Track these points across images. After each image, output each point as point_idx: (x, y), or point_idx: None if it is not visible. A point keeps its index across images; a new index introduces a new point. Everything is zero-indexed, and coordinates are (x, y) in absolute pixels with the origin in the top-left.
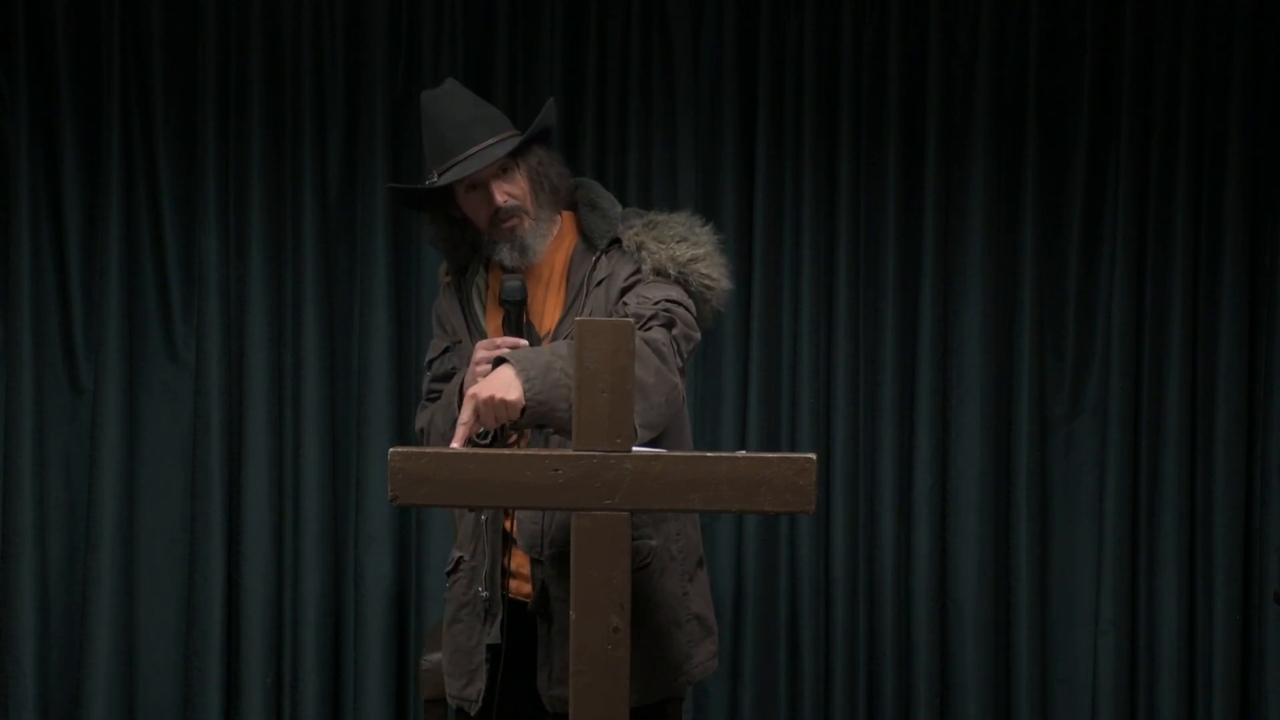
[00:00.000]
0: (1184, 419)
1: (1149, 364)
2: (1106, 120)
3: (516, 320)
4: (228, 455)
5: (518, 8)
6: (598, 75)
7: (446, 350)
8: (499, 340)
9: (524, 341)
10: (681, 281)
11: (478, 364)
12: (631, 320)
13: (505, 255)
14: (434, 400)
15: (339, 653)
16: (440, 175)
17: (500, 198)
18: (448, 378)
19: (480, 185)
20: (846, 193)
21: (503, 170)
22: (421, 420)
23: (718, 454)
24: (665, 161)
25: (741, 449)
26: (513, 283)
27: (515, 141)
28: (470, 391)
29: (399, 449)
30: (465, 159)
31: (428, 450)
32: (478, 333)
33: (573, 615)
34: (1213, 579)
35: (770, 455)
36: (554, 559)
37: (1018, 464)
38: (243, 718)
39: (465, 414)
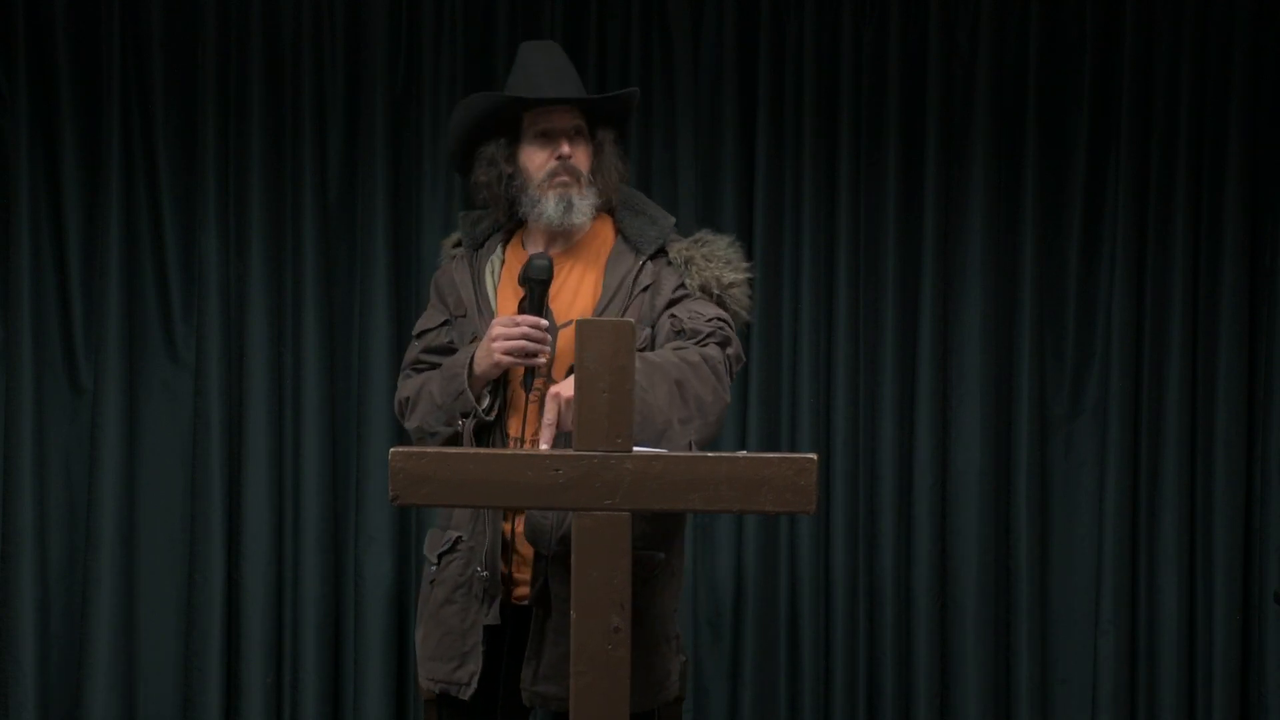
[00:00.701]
0: (1184, 419)
1: (1149, 364)
2: (1106, 120)
3: (539, 299)
4: (228, 455)
5: (518, 8)
6: (598, 75)
7: (445, 323)
8: (519, 318)
9: (544, 321)
10: (720, 304)
11: (497, 339)
12: (632, 321)
13: (550, 208)
14: (421, 370)
15: (339, 653)
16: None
17: (568, 148)
18: (442, 351)
19: (552, 134)
20: (846, 193)
21: (577, 133)
22: (407, 389)
23: (718, 454)
24: (665, 161)
25: (741, 449)
26: (541, 260)
27: (604, 97)
28: (553, 390)
29: (399, 449)
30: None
31: (428, 450)
32: (486, 309)
33: (573, 615)
34: (1213, 579)
35: (770, 455)
36: (561, 556)
37: (1018, 464)
38: (243, 718)
39: (550, 414)
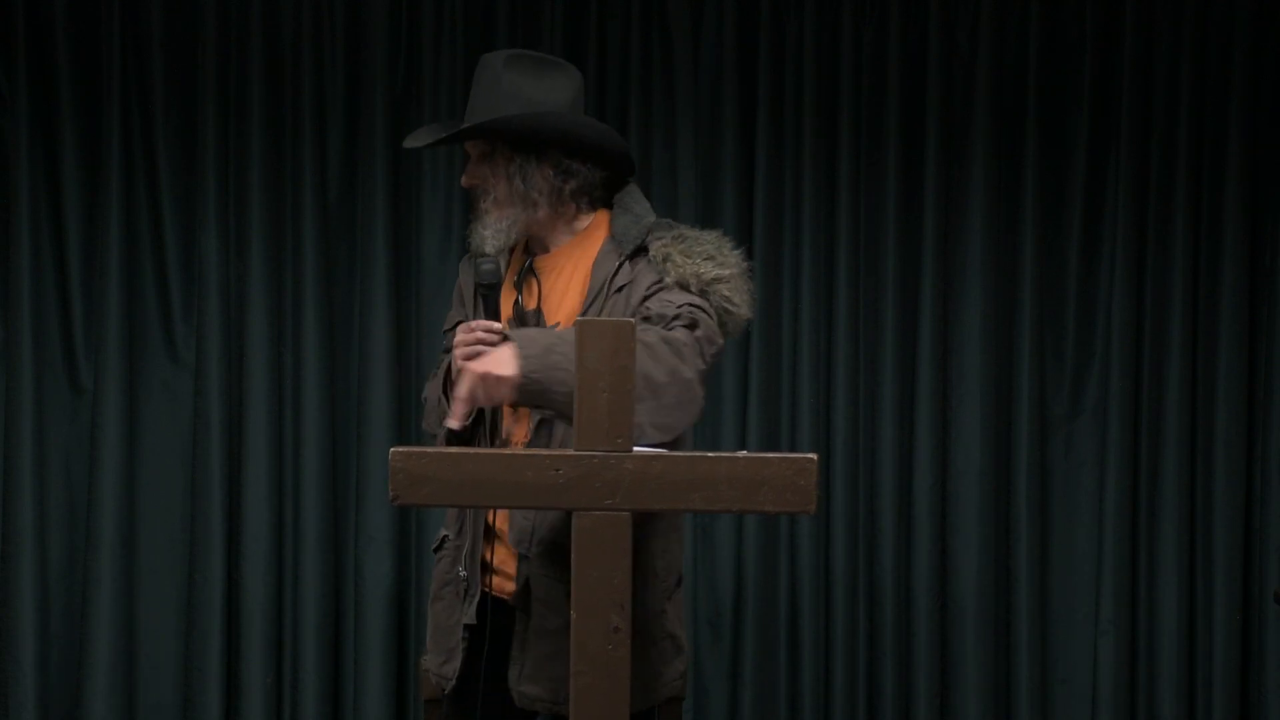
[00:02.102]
0: (1184, 419)
1: (1149, 364)
2: (1106, 120)
3: (494, 303)
4: (228, 455)
5: (518, 8)
6: (598, 75)
7: (458, 324)
8: (475, 324)
9: (496, 325)
10: (702, 298)
11: (457, 346)
12: (632, 321)
13: (473, 238)
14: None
15: (339, 653)
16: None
17: (465, 179)
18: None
19: (471, 160)
20: (846, 193)
21: (483, 158)
22: (426, 390)
23: (718, 454)
24: (665, 161)
25: (741, 449)
26: (487, 265)
27: (459, 130)
28: (470, 365)
29: (400, 449)
30: (447, 130)
31: (428, 450)
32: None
33: (573, 615)
34: (1213, 579)
35: (770, 455)
36: (540, 556)
37: (1018, 464)
38: (243, 718)
39: (462, 389)
